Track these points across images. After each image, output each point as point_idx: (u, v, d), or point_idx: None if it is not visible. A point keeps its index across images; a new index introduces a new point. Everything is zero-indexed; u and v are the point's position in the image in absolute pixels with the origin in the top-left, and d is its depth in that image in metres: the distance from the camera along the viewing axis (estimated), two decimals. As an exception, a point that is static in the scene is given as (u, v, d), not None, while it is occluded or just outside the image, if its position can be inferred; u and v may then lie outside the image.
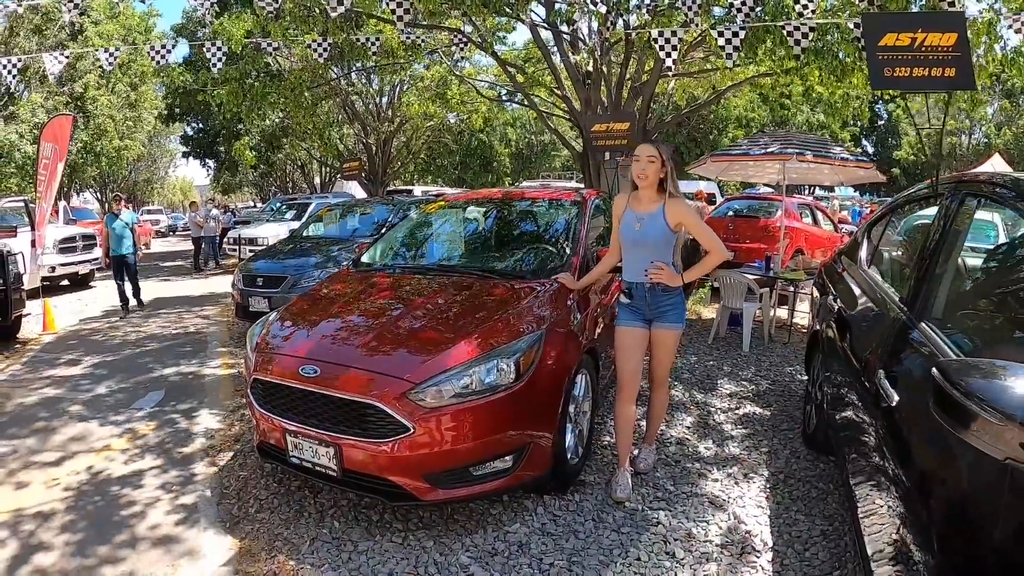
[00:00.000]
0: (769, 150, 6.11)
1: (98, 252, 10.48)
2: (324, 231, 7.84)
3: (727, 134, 23.46)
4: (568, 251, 3.43)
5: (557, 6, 7.63)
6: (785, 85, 8.10)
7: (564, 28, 7.88)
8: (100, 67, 14.43)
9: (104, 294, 9.31)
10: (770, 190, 11.84)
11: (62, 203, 13.87)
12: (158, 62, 5.97)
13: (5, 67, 5.66)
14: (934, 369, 1.21)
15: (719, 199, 14.04)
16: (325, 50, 6.40)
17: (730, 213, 9.85)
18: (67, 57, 6.00)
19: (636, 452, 3.14)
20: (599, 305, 3.36)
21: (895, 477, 1.63)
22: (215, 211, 14.18)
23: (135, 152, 21.89)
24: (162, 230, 28.69)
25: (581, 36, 9.01)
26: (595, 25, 7.80)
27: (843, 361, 2.49)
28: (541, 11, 8.30)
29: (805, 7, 4.84)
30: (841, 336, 2.63)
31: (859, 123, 27.25)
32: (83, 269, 10.19)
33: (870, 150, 36.80)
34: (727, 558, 2.40)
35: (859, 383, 2.13)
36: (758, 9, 5.21)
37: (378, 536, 2.55)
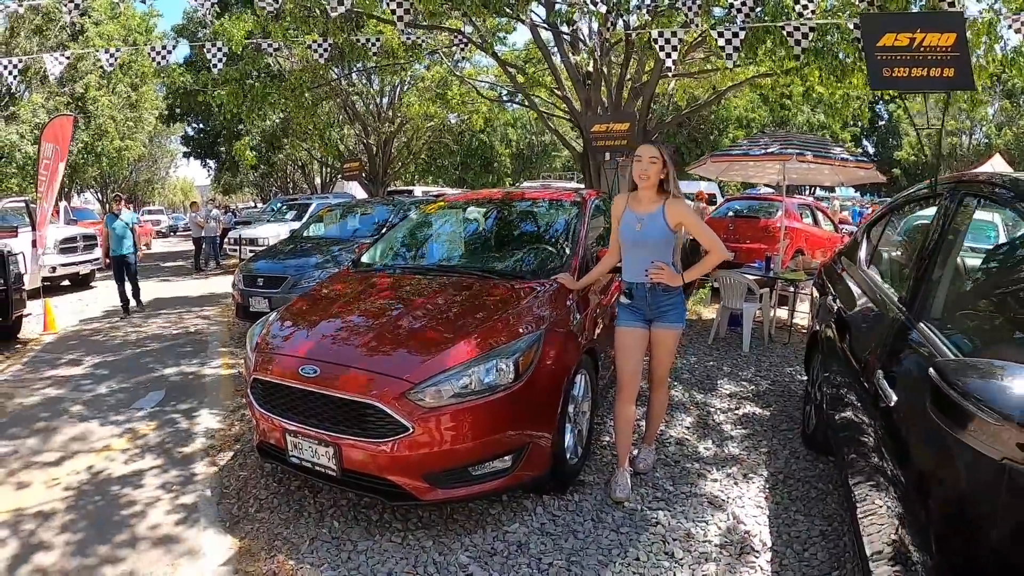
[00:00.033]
0: (769, 150, 6.11)
1: (99, 252, 10.49)
2: (324, 231, 7.84)
3: (727, 134, 23.47)
4: (568, 251, 3.43)
5: (557, 7, 7.64)
6: (785, 85, 8.10)
7: (564, 29, 7.89)
8: (101, 68, 14.42)
9: (105, 294, 9.32)
10: (771, 190, 11.84)
11: (63, 203, 13.88)
12: (159, 63, 5.98)
13: (6, 67, 5.68)
14: (931, 369, 1.21)
15: (719, 199, 14.05)
16: (325, 51, 6.41)
17: (730, 213, 9.85)
18: (68, 58, 6.01)
19: (635, 452, 3.15)
20: (599, 305, 3.36)
21: (894, 477, 1.63)
22: (216, 211, 14.18)
23: (136, 152, 21.94)
24: (163, 230, 28.71)
25: (581, 37, 9.02)
26: (595, 26, 7.80)
27: (842, 361, 2.49)
28: (541, 12, 8.32)
29: (805, 7, 4.85)
30: (840, 336, 2.64)
31: (859, 124, 27.24)
32: (84, 269, 10.21)
33: (871, 150, 36.81)
34: (726, 558, 2.40)
35: (858, 383, 2.13)
36: (758, 9, 5.21)
37: (377, 536, 2.56)
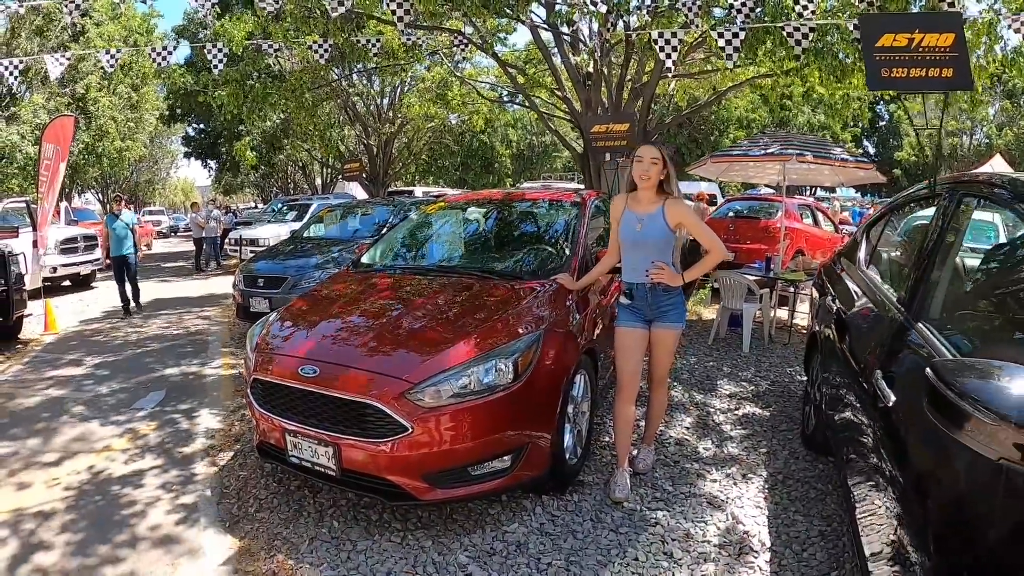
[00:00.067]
0: (769, 151, 6.11)
1: (99, 253, 10.50)
2: (325, 232, 7.85)
3: (728, 135, 23.47)
4: (567, 252, 3.43)
5: (557, 7, 7.64)
6: (785, 86, 8.09)
7: (564, 29, 7.90)
8: (102, 68, 14.45)
9: (105, 295, 9.33)
10: (771, 191, 11.84)
11: (64, 204, 13.88)
12: (159, 63, 5.99)
13: (7, 68, 5.69)
14: (928, 369, 1.21)
15: (720, 200, 14.04)
16: (326, 51, 6.41)
17: (731, 214, 9.85)
18: (68, 58, 6.03)
19: (635, 452, 3.15)
20: (598, 306, 3.37)
21: (892, 478, 1.63)
22: (216, 212, 14.18)
23: (136, 153, 21.93)
24: (164, 231, 28.69)
25: (581, 37, 9.03)
26: (595, 26, 7.81)
27: (841, 362, 2.50)
28: (541, 12, 8.33)
29: (805, 8, 4.85)
30: (839, 337, 2.64)
31: (860, 124, 27.23)
32: (84, 270, 10.22)
33: (871, 151, 36.80)
34: (725, 558, 2.40)
35: (857, 384, 2.13)
36: (758, 10, 5.22)
37: (377, 536, 2.56)
